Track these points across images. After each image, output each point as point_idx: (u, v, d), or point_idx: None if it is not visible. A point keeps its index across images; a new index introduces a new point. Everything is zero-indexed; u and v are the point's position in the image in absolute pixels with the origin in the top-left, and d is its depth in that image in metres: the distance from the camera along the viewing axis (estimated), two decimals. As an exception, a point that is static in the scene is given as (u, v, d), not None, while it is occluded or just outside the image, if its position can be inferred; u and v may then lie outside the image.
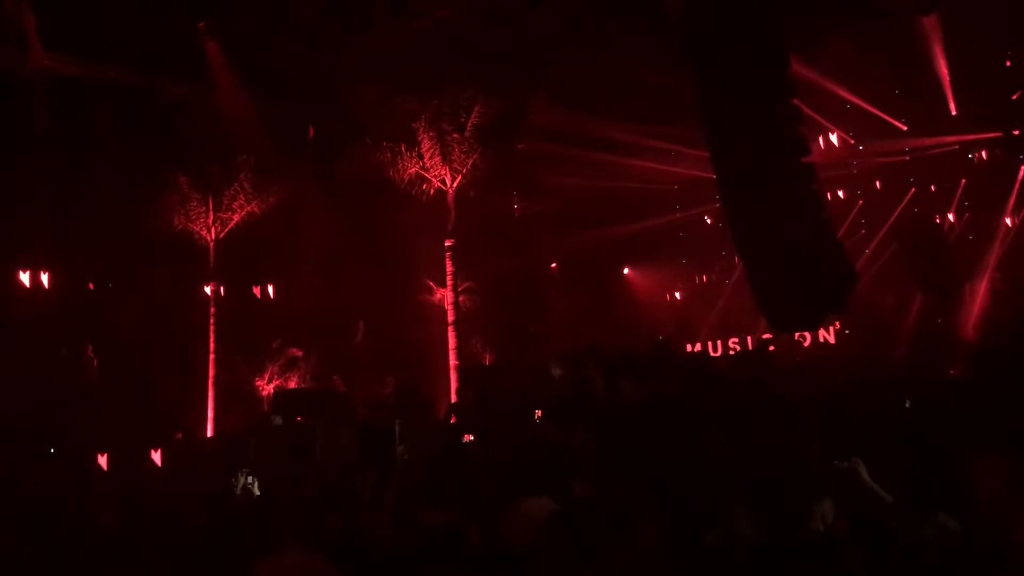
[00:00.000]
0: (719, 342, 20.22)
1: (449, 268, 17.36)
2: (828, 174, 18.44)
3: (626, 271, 24.43)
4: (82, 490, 11.47)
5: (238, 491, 8.59)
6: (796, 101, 10.55)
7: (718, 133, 10.51)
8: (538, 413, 11.82)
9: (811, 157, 10.81)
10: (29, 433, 15.18)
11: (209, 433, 16.75)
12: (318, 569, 3.70)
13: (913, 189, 20.64)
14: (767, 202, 9.87)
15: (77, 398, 16.67)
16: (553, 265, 23.59)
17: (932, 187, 20.58)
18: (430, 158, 16.73)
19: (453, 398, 15.68)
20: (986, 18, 16.35)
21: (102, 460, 14.95)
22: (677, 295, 24.37)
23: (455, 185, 16.96)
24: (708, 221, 22.72)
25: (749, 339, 18.82)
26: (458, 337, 17.29)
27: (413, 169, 16.83)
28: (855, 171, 21.20)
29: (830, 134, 20.70)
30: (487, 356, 19.18)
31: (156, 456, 15.07)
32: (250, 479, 8.75)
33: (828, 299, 10.19)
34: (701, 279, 23.85)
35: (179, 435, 16.20)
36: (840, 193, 21.17)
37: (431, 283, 18.42)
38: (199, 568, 4.01)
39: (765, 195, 9.99)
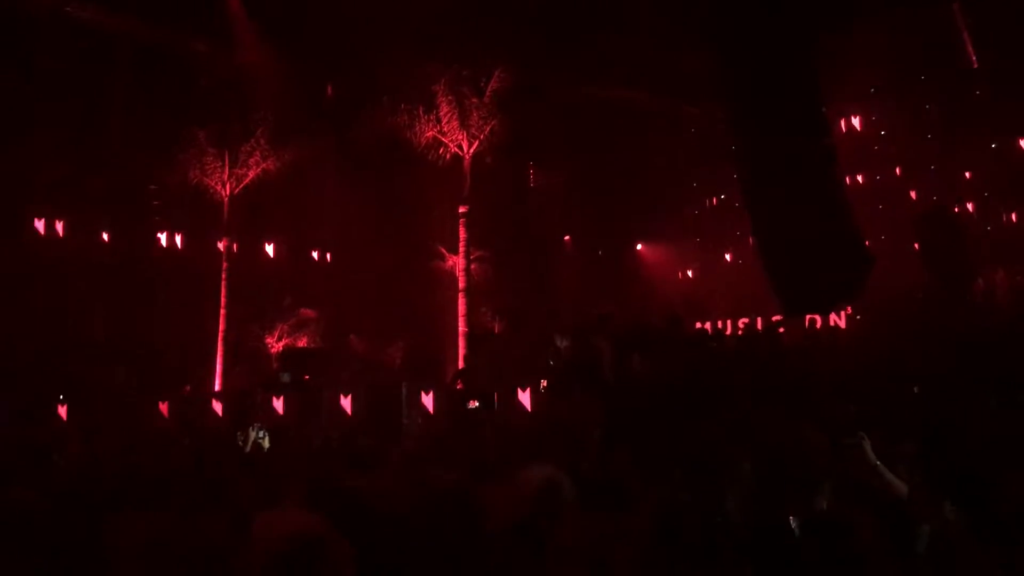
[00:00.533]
0: (729, 322, 20.16)
1: (462, 235, 17.33)
2: (848, 158, 18.26)
3: (639, 247, 24.34)
4: (86, 438, 11.57)
5: (248, 445, 8.63)
6: (818, 82, 10.47)
7: (740, 113, 10.43)
8: (543, 383, 11.87)
9: (832, 139, 10.73)
10: (39, 380, 15.31)
11: (217, 387, 16.87)
12: (318, 527, 3.71)
13: (934, 176, 20.43)
14: (786, 184, 9.81)
15: (87, 347, 16.79)
16: (566, 237, 23.52)
17: (953, 175, 20.36)
18: (448, 123, 16.63)
19: (460, 364, 15.73)
20: (1018, 3, 16.08)
21: (108, 409, 15.07)
22: (689, 273, 24.29)
23: (472, 151, 16.87)
24: (724, 200, 22.58)
25: (759, 320, 18.77)
26: (468, 304, 17.31)
27: (430, 133, 16.74)
28: (875, 155, 20.98)
29: (852, 117, 20.49)
30: (496, 324, 19.19)
31: (163, 408, 15.17)
32: (261, 433, 8.78)
33: (842, 284, 10.16)
34: (714, 258, 23.74)
35: (187, 388, 16.33)
36: (859, 177, 20.97)
37: (443, 250, 18.41)
38: (197, 518, 4.03)
39: (784, 176, 9.93)
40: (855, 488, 3.94)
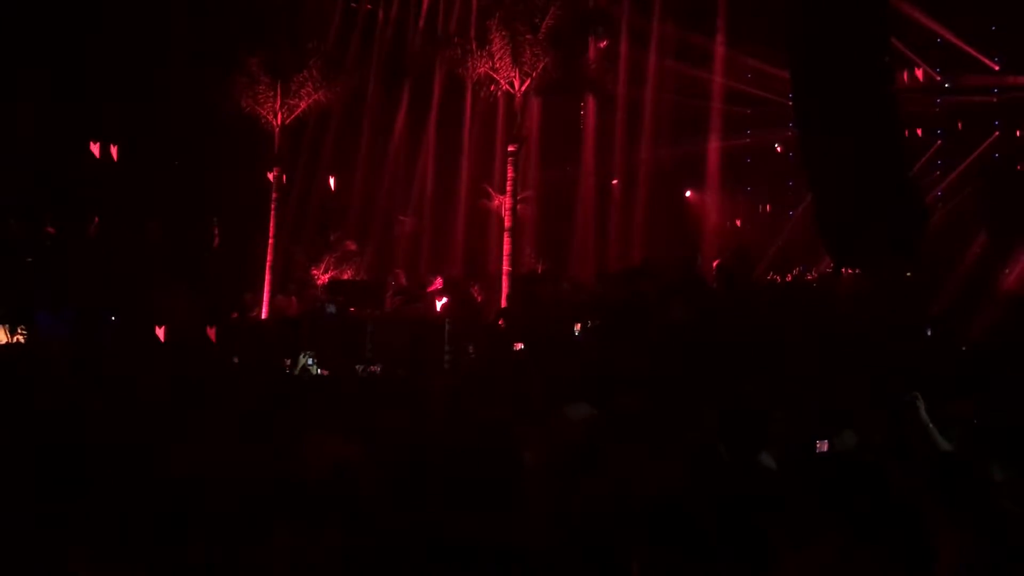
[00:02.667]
0: (777, 277, 19.92)
1: (510, 174, 17.20)
2: (909, 110, 17.75)
3: (688, 193, 24.05)
4: (140, 358, 11.87)
5: (296, 371, 8.80)
6: (884, 29, 10.16)
7: (802, 59, 10.17)
8: (577, 326, 11.91)
9: (894, 89, 10.45)
10: (95, 303, 15.68)
11: (264, 315, 17.16)
12: (355, 454, 3.82)
13: (997, 133, 19.82)
14: (845, 134, 9.59)
15: (140, 272, 17.13)
16: (614, 181, 23.31)
17: (1017, 132, 19.72)
18: (500, 59, 16.38)
19: (503, 303, 15.81)
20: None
21: (160, 333, 15.41)
22: (737, 223, 23.98)
23: (523, 89, 16.66)
24: (779, 149, 22.15)
25: (808, 275, 18.52)
26: (512, 244, 17.28)
27: (482, 69, 16.52)
28: (937, 109, 20.37)
29: (915, 68, 19.87)
30: (539, 265, 19.21)
31: (211, 333, 15.49)
32: (311, 360, 8.93)
33: (895, 238, 9.98)
34: (764, 208, 23.40)
35: (235, 315, 16.63)
36: (919, 131, 20.40)
37: (489, 188, 18.36)
38: (250, 437, 4.16)
39: (844, 127, 9.71)
40: (906, 442, 3.94)
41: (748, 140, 22.48)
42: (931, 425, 4.01)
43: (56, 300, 14.78)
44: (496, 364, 10.12)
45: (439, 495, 3.62)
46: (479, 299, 16.51)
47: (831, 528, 2.85)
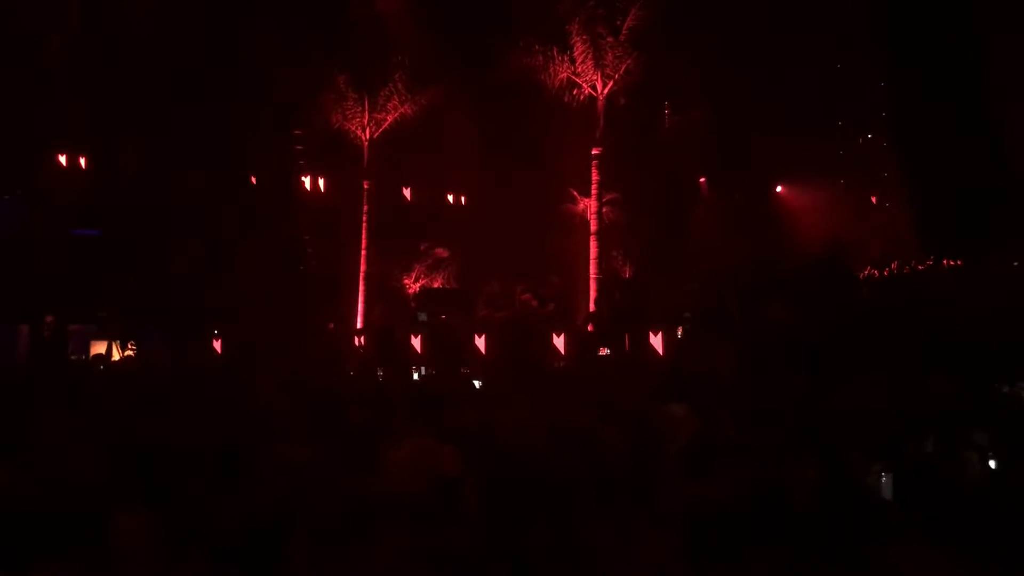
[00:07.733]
0: (875, 272, 19.31)
1: (595, 177, 17.18)
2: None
3: (779, 189, 23.49)
4: (239, 367, 12.25)
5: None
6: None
7: (898, 53, 9.91)
8: (679, 330, 11.81)
9: (994, 79, 10.06)
10: (196, 317, 16.28)
11: (359, 324, 17.53)
12: (446, 458, 3.87)
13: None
14: (945, 125, 9.31)
15: (239, 286, 17.69)
16: (702, 179, 22.95)
17: None
18: (582, 63, 16.39)
19: (591, 307, 15.79)
20: None
21: (261, 345, 15.88)
22: (830, 217, 23.30)
23: (606, 91, 16.62)
24: (872, 139, 21.44)
25: (907, 268, 17.89)
26: (599, 248, 17.23)
27: (564, 74, 16.56)
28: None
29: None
30: (626, 269, 19.08)
31: (309, 343, 15.89)
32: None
33: (997, 229, 9.63)
34: (859, 201, 22.66)
35: (331, 325, 17.05)
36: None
37: (575, 192, 18.34)
38: (344, 447, 4.27)
39: (944, 118, 9.42)
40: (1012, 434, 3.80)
41: (839, 131, 21.81)
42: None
43: (162, 316, 15.39)
44: (585, 367, 10.13)
45: (534, 501, 3.65)
46: (566, 304, 16.52)
47: (929, 529, 2.78)
